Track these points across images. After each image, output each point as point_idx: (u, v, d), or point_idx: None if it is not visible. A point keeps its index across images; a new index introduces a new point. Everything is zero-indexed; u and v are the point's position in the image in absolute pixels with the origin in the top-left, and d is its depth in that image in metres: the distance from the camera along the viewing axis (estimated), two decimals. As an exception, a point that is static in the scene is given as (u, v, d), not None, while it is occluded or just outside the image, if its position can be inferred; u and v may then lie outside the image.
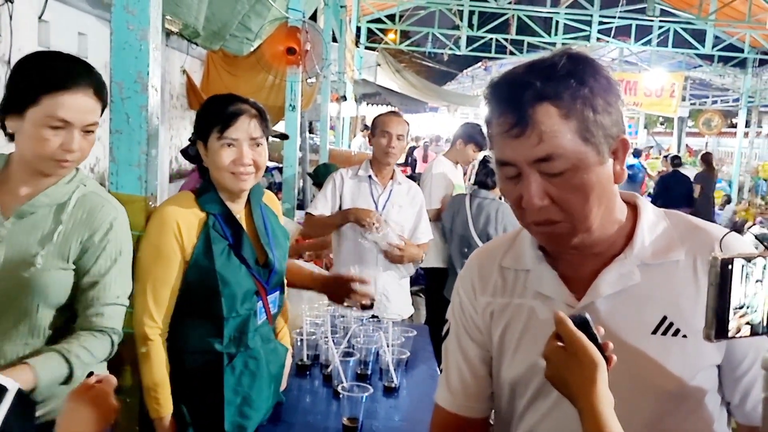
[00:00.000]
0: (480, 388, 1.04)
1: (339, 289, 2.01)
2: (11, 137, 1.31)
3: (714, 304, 0.72)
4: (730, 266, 0.71)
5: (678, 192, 8.07)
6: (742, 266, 0.72)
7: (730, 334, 0.72)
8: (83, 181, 1.39)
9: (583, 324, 0.83)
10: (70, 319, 1.38)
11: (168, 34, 4.93)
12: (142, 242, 1.57)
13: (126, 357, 1.57)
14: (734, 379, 0.90)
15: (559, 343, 0.84)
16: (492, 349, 1.02)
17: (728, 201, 12.64)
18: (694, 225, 0.94)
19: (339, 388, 1.74)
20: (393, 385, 1.94)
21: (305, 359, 2.07)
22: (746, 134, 16.12)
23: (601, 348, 0.82)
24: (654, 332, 0.89)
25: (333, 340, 2.00)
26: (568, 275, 0.95)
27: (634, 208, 0.95)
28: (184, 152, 1.73)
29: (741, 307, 0.72)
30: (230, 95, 1.62)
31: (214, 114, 1.57)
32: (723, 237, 0.86)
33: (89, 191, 1.39)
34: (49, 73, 1.26)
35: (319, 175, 4.21)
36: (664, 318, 0.89)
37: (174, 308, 1.57)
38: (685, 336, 0.88)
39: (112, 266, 1.38)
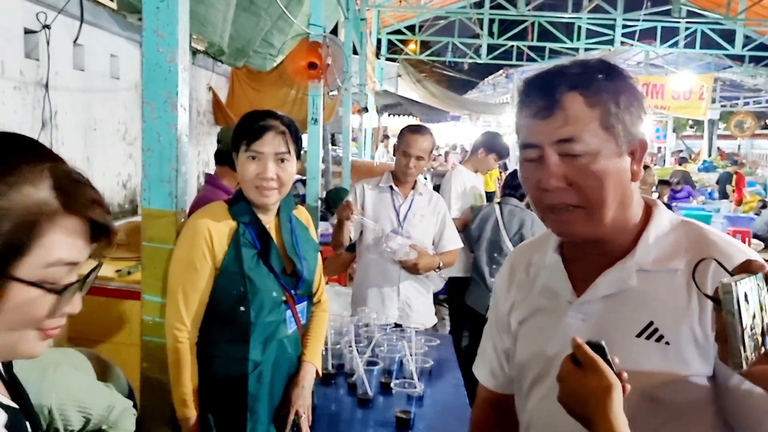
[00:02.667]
0: (504, 372, 1.17)
1: None
2: None
3: (735, 331, 0.70)
4: (734, 290, 0.70)
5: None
6: (746, 291, 0.71)
7: (750, 358, 0.71)
8: None
9: (599, 349, 0.83)
10: None
11: (194, 52, 5.08)
12: (175, 251, 1.64)
13: (160, 361, 1.64)
14: (726, 390, 0.89)
15: (575, 365, 0.84)
16: (510, 337, 1.12)
17: (764, 205, 12.33)
18: (706, 237, 0.94)
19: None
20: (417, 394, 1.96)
21: (330, 368, 2.11)
22: (779, 135, 15.74)
23: (617, 375, 0.82)
24: (639, 335, 0.91)
25: (357, 349, 2.03)
26: (577, 274, 1.00)
27: (650, 213, 0.98)
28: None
29: (752, 329, 0.72)
30: (265, 112, 1.67)
31: (244, 128, 1.64)
32: (706, 260, 0.83)
33: None
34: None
35: (330, 201, 4.28)
36: (651, 323, 0.91)
37: (204, 315, 1.63)
38: (668, 343, 0.90)
39: None
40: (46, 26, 3.11)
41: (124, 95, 4.11)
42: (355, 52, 7.08)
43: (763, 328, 0.73)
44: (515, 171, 3.66)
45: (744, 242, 11.03)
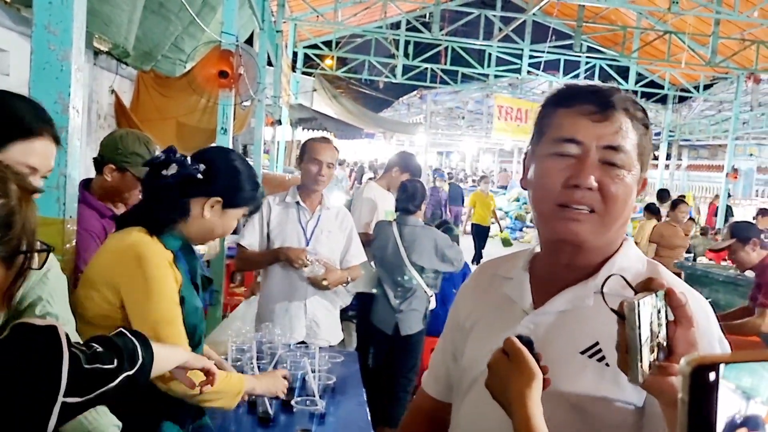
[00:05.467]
0: (448, 377, 1.18)
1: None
2: None
3: (635, 347, 0.74)
4: (637, 309, 0.74)
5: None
6: (648, 308, 0.76)
7: (647, 374, 0.76)
8: None
9: (527, 344, 0.89)
10: None
11: (96, 53, 4.81)
12: (153, 284, 1.46)
13: None
14: (649, 418, 0.92)
15: (504, 355, 0.90)
16: (462, 337, 1.14)
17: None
18: (659, 275, 0.99)
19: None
20: (319, 412, 1.93)
21: (230, 386, 2.03)
22: (667, 166, 17.20)
23: (541, 369, 0.88)
24: (583, 352, 0.96)
25: (259, 366, 1.97)
26: (539, 289, 1.04)
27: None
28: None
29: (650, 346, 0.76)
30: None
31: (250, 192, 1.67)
32: (601, 285, 0.86)
33: None
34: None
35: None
36: (596, 343, 0.95)
37: None
38: (607, 364, 0.94)
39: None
40: (-76, 13, 2.83)
41: (15, 93, 3.80)
42: (270, 64, 7.00)
43: (659, 342, 0.78)
44: (409, 181, 3.63)
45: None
